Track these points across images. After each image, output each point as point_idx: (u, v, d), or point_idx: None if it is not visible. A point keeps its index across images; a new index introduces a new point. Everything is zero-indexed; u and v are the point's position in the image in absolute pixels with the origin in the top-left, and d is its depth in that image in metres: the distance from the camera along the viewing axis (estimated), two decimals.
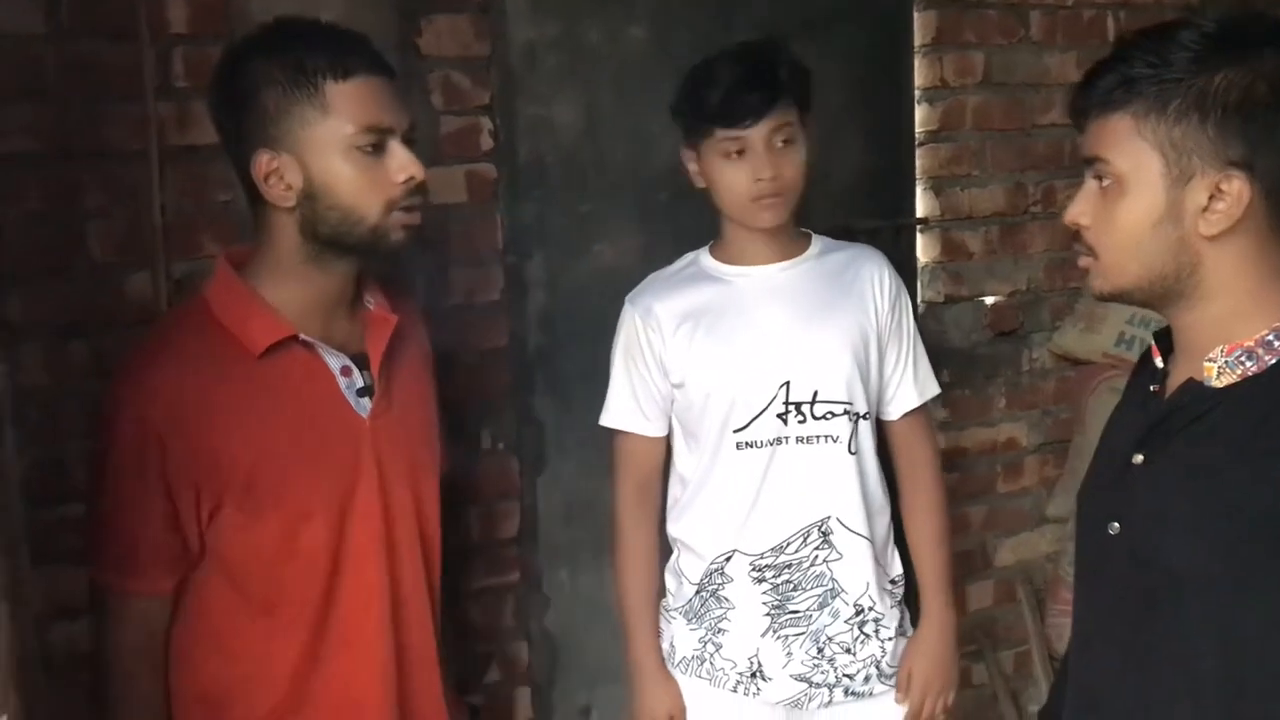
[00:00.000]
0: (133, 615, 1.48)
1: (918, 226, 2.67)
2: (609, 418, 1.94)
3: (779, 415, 1.84)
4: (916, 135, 2.65)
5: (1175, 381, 1.23)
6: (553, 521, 2.36)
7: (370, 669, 1.53)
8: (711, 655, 1.90)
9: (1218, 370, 1.18)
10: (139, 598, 1.47)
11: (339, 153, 1.43)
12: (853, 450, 1.86)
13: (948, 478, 2.72)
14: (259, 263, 1.50)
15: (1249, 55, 1.12)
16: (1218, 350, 1.18)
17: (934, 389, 1.98)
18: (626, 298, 1.93)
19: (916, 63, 2.63)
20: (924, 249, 2.70)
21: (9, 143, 1.83)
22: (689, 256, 1.95)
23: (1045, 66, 2.75)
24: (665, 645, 1.96)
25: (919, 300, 2.70)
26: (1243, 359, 1.16)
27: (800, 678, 1.87)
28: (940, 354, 2.72)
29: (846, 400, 1.85)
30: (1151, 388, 1.26)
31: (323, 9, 2.02)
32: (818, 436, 1.84)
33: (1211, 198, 1.14)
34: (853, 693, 1.89)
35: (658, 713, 1.93)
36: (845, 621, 1.87)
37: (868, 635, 1.89)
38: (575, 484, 2.12)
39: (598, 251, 2.31)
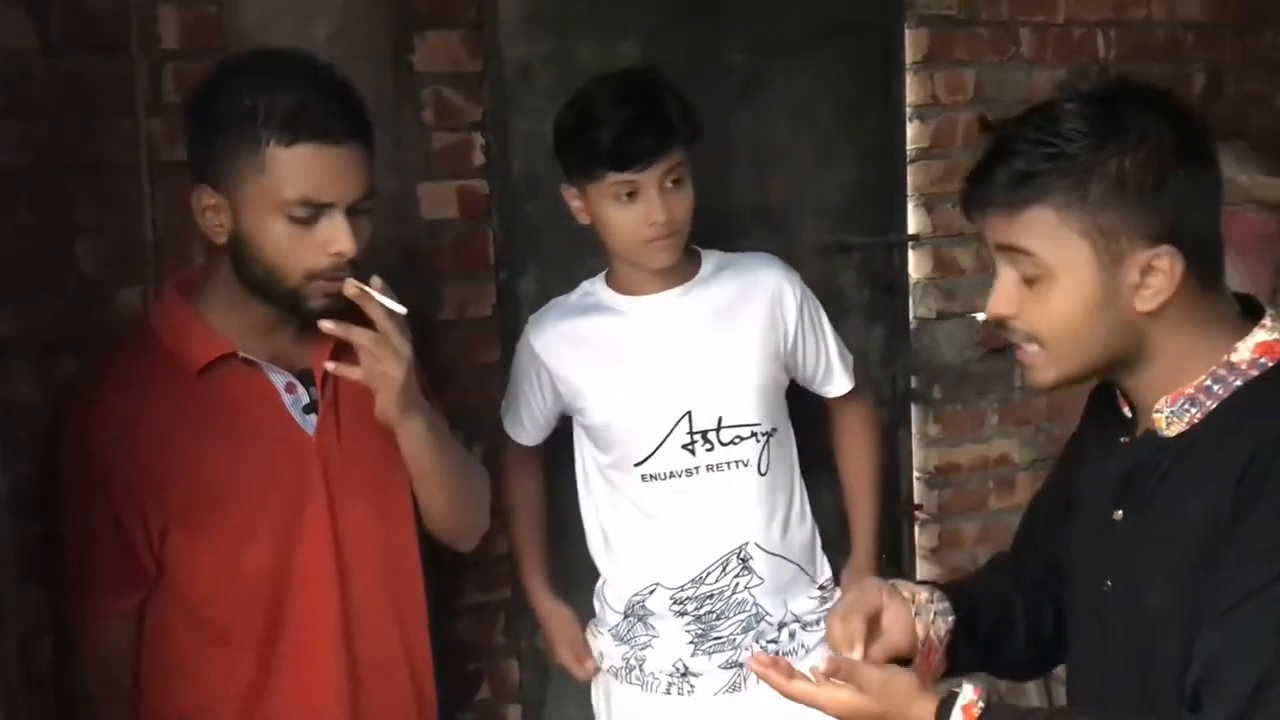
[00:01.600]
0: (92, 638, 1.47)
1: (910, 243, 2.67)
2: (503, 410, 2.02)
3: (685, 446, 1.83)
4: (908, 152, 2.65)
5: (1139, 432, 1.24)
6: None
7: (324, 690, 1.52)
8: (640, 664, 1.92)
9: (1166, 420, 1.20)
10: (96, 620, 1.46)
11: (270, 213, 1.39)
12: (763, 471, 1.86)
13: (940, 494, 2.74)
14: (205, 285, 1.50)
15: (1141, 127, 1.13)
16: (1163, 401, 1.20)
17: (851, 362, 2.02)
18: (530, 319, 1.96)
19: (908, 80, 2.63)
20: (916, 265, 2.70)
21: None
22: (586, 285, 1.95)
23: (1036, 84, 2.75)
24: (595, 653, 2.00)
25: (911, 316, 2.70)
26: (1187, 406, 1.18)
27: (730, 663, 1.89)
28: (932, 370, 2.72)
29: (753, 421, 1.84)
30: (1122, 439, 1.27)
31: (318, 25, 2.03)
32: (728, 463, 1.84)
33: (1144, 273, 1.14)
34: (785, 653, 1.90)
35: (557, 641, 2.03)
36: (769, 640, 1.90)
37: (782, 631, 1.93)
38: (566, 501, 2.11)
39: (590, 267, 2.29)
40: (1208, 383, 1.18)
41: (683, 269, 1.87)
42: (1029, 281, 1.19)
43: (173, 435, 1.43)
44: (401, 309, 1.43)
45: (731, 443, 1.84)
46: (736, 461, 1.84)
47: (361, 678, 1.55)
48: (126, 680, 1.48)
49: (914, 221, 2.68)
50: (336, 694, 1.53)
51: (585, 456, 1.96)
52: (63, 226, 1.89)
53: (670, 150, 1.74)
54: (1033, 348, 1.23)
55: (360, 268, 1.44)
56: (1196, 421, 1.18)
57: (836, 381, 1.99)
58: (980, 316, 2.75)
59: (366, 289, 1.41)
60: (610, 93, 1.77)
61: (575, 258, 2.30)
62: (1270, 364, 1.17)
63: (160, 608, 1.48)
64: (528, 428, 1.99)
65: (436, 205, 2.19)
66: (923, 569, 2.77)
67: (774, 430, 1.87)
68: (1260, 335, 1.19)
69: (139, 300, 1.93)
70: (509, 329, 2.28)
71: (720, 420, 1.83)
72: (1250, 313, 1.22)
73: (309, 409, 1.52)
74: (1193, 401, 1.18)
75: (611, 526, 1.92)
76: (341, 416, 1.53)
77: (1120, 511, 1.23)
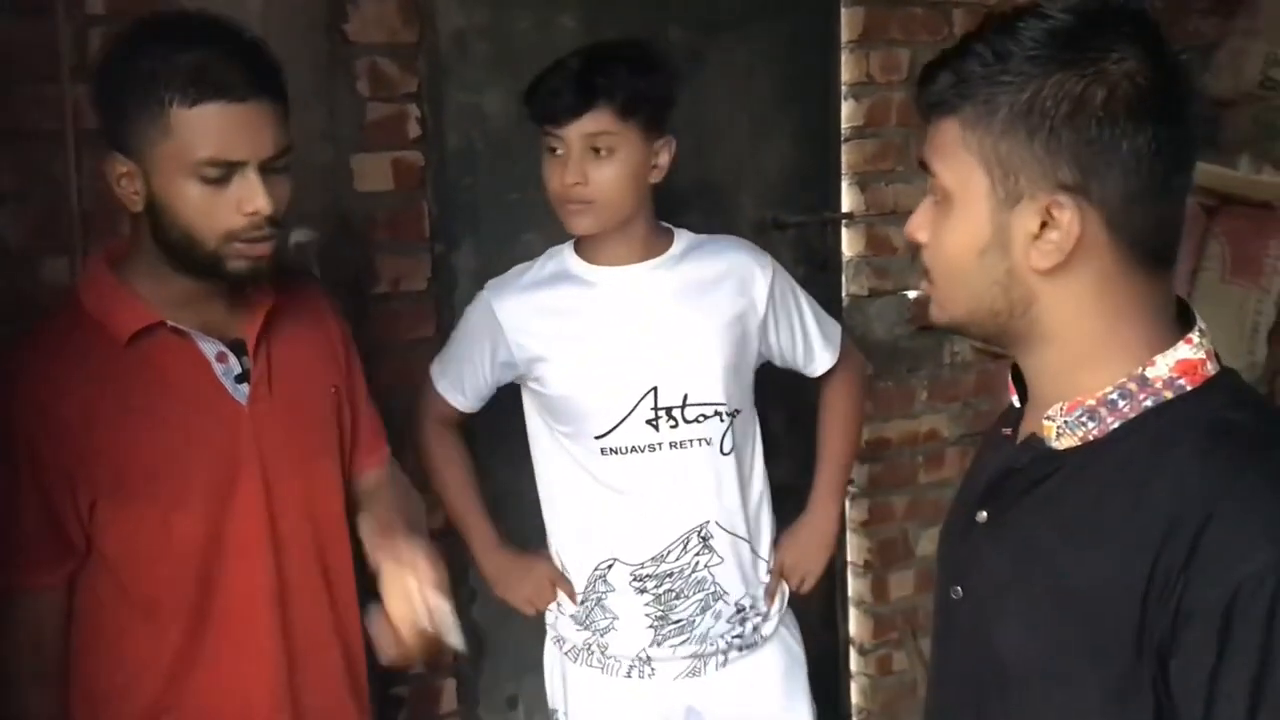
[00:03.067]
0: (21, 613, 1.44)
1: (843, 221, 2.70)
2: (436, 371, 1.96)
3: (649, 421, 1.81)
4: (843, 131, 2.68)
5: (1025, 430, 1.08)
6: None
7: (256, 663, 1.52)
8: (601, 649, 1.92)
9: (1057, 431, 1.02)
10: (25, 595, 1.44)
11: (181, 176, 1.37)
12: (725, 451, 1.85)
13: (871, 468, 2.78)
14: (131, 255, 1.48)
15: (1093, 57, 0.95)
16: (1057, 408, 1.02)
17: (838, 336, 2.00)
18: (490, 283, 1.92)
19: (843, 58, 2.66)
20: (849, 243, 2.73)
21: None
22: (552, 251, 1.92)
23: None
24: (554, 634, 1.98)
25: (844, 294, 2.73)
26: (1084, 419, 1.01)
27: (690, 652, 1.89)
28: (864, 347, 2.75)
29: (718, 401, 1.83)
30: (1004, 430, 1.13)
31: None
32: (691, 440, 1.83)
33: (1044, 225, 0.97)
34: (746, 645, 1.92)
35: (523, 587, 1.97)
36: (727, 621, 1.90)
37: (745, 625, 1.93)
38: (501, 477, 2.11)
39: (527, 241, 2.30)
40: (1113, 396, 1.00)
41: (654, 244, 1.86)
42: (937, 207, 1.04)
43: (101, 406, 1.42)
44: (460, 645, 1.46)
45: (695, 420, 1.83)
46: (700, 439, 1.83)
47: (295, 650, 1.54)
48: (58, 655, 1.47)
49: (848, 200, 2.70)
50: (270, 666, 1.52)
51: (538, 424, 1.93)
52: None
53: (592, 112, 1.71)
54: (924, 284, 1.09)
55: (281, 226, 1.44)
56: (1093, 439, 1.01)
57: (819, 359, 1.98)
58: (912, 294, 2.80)
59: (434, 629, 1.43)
60: (577, 52, 1.78)
61: (511, 231, 2.31)
62: (1188, 387, 0.99)
63: (90, 582, 1.46)
64: (467, 394, 1.95)
65: (371, 177, 2.17)
66: (853, 541, 2.82)
67: (738, 411, 1.86)
68: (1184, 351, 1.00)
69: (65, 271, 1.89)
70: (444, 302, 2.28)
71: (685, 398, 1.82)
72: (1184, 322, 1.03)
73: (241, 379, 1.50)
74: (1092, 415, 1.00)
75: (568, 495, 1.90)
76: (274, 387, 1.52)
77: (985, 513, 1.09)
